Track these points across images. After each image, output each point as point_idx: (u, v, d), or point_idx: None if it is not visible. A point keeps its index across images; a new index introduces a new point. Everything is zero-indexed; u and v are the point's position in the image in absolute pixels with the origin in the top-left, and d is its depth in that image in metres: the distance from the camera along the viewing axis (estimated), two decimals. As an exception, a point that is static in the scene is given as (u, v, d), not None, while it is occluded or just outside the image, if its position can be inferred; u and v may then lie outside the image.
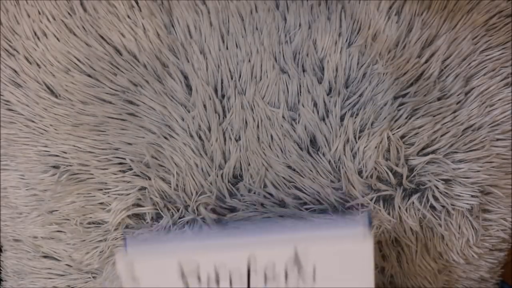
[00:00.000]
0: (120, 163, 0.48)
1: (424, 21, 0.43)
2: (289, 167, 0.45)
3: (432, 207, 0.48)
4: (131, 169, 0.48)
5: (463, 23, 0.44)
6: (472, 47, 0.44)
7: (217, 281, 0.38)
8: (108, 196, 0.48)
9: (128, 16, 0.43)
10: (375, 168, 0.47)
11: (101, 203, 0.48)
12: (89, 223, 0.50)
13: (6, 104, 0.47)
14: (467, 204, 0.47)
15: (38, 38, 0.44)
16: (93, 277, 0.52)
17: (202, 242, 0.39)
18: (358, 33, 0.44)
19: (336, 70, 0.44)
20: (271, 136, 0.45)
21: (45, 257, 0.52)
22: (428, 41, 0.44)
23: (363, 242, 0.38)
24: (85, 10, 0.43)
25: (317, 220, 0.40)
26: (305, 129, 0.45)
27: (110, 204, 0.48)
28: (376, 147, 0.46)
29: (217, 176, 0.45)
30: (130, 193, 0.48)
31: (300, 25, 0.43)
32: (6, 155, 0.49)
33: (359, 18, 0.43)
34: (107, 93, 0.45)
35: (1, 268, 0.57)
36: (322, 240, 0.38)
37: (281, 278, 0.38)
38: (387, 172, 0.47)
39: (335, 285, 0.38)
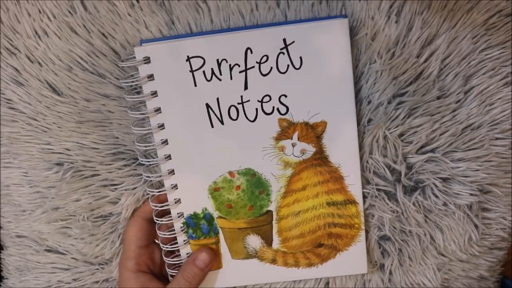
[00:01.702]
0: (126, 157, 0.48)
1: (424, 20, 0.43)
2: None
3: (434, 203, 0.48)
4: (135, 161, 0.48)
5: (463, 22, 0.43)
6: (472, 46, 0.44)
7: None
8: (116, 192, 0.49)
9: (129, 14, 0.43)
10: (372, 164, 0.47)
11: (108, 198, 0.49)
12: (96, 217, 0.50)
13: (7, 103, 0.47)
14: (466, 202, 0.48)
15: (39, 37, 0.44)
16: (101, 267, 0.53)
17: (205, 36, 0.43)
18: (357, 31, 0.44)
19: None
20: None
21: (49, 251, 0.53)
22: (428, 40, 0.44)
23: (340, 23, 0.42)
24: (85, 9, 0.43)
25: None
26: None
27: (118, 199, 0.49)
28: (369, 144, 0.46)
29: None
30: (137, 187, 0.49)
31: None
32: (8, 152, 0.49)
33: (359, 16, 0.43)
34: (110, 89, 0.46)
35: (2, 266, 0.57)
36: (305, 26, 0.42)
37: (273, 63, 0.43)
38: (384, 168, 0.47)
39: (319, 67, 0.43)
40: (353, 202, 0.47)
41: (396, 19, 0.43)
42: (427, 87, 0.45)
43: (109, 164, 0.48)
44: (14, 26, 0.44)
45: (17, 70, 0.46)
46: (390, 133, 0.46)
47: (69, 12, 0.43)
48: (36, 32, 0.44)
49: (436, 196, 0.48)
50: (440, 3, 0.43)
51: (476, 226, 0.49)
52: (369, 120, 0.46)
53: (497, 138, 0.47)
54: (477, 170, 0.47)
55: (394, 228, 0.50)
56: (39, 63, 0.45)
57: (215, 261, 0.48)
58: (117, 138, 0.48)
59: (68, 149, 0.48)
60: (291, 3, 0.43)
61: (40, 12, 0.43)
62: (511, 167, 0.48)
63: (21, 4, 0.43)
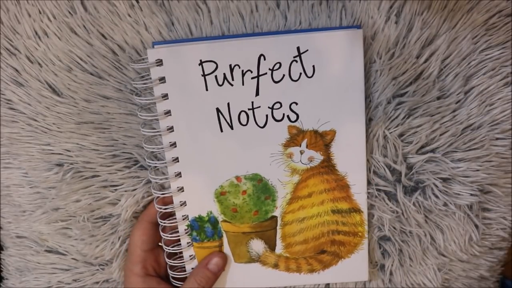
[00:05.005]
0: (126, 158, 0.48)
1: (424, 20, 0.43)
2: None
3: (434, 203, 0.48)
4: (136, 164, 0.48)
5: (463, 23, 0.43)
6: (472, 46, 0.44)
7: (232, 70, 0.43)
8: (116, 193, 0.49)
9: (129, 15, 0.43)
10: (372, 164, 0.47)
11: (108, 199, 0.49)
12: (96, 218, 0.50)
13: (7, 103, 0.47)
14: (466, 202, 0.48)
15: (39, 37, 0.44)
16: (101, 268, 0.53)
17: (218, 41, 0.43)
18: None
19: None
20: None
21: (49, 251, 0.53)
22: (428, 41, 0.44)
23: (355, 33, 0.42)
24: (85, 9, 0.43)
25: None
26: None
27: (118, 200, 0.49)
28: (369, 144, 0.46)
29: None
30: (137, 188, 0.49)
31: (300, 23, 0.43)
32: (8, 153, 0.49)
33: (359, 17, 0.43)
34: (110, 91, 0.46)
35: (2, 266, 0.57)
36: (320, 35, 0.42)
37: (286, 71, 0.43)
38: (384, 168, 0.47)
39: (331, 76, 0.43)
40: (357, 210, 0.47)
41: (396, 20, 0.43)
42: (427, 87, 0.45)
43: (109, 166, 0.48)
44: (14, 26, 0.44)
45: (17, 70, 0.46)
46: (390, 133, 0.46)
47: (69, 12, 0.43)
48: (36, 33, 0.44)
49: (437, 196, 0.48)
50: (440, 4, 0.43)
51: (476, 226, 0.49)
52: (370, 120, 0.46)
53: (497, 138, 0.47)
54: (477, 170, 0.47)
55: (394, 228, 0.50)
56: (39, 64, 0.45)
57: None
58: (117, 140, 0.48)
59: (68, 150, 0.48)
60: (291, 4, 0.43)
61: (40, 12, 0.43)
62: (511, 167, 0.49)
63: (21, 4, 0.43)
